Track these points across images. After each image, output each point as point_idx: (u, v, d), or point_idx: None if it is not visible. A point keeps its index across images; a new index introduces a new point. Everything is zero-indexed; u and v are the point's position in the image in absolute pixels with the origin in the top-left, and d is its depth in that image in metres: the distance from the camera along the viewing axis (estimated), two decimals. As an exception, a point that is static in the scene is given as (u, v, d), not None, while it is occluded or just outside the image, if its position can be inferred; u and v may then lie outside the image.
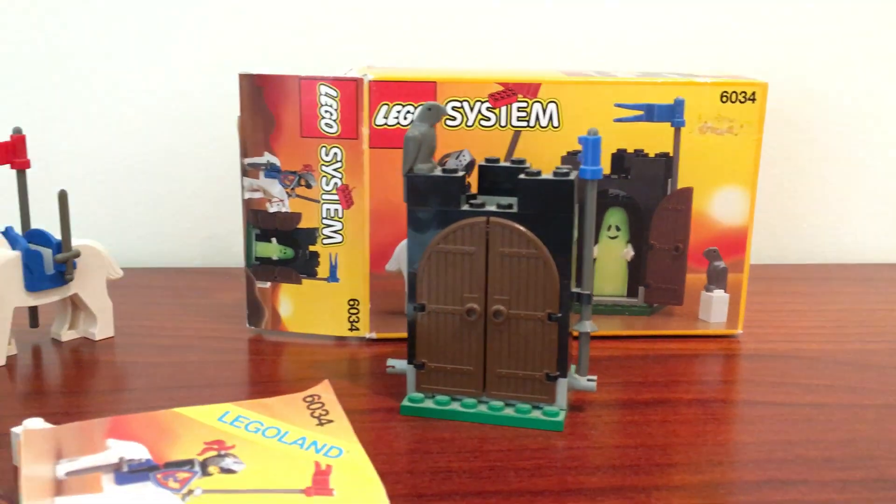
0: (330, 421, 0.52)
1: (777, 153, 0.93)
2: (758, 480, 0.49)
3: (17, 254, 0.64)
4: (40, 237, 0.66)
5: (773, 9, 0.91)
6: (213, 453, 0.48)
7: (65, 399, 0.59)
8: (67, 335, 0.69)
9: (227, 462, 0.47)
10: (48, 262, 0.65)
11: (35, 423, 0.49)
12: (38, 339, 0.69)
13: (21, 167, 0.66)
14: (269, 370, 0.65)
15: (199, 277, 0.87)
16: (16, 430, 0.49)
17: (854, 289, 0.86)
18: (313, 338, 0.70)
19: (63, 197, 0.64)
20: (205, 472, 0.46)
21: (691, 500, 0.47)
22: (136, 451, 0.47)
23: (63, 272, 0.66)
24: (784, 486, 0.49)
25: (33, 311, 0.69)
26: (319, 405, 0.54)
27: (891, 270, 0.93)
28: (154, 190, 0.91)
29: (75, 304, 0.69)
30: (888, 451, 0.53)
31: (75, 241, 0.67)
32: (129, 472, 0.45)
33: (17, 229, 0.66)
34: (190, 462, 0.47)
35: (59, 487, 0.44)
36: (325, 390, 0.56)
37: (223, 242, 0.93)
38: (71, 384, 0.62)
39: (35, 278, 0.64)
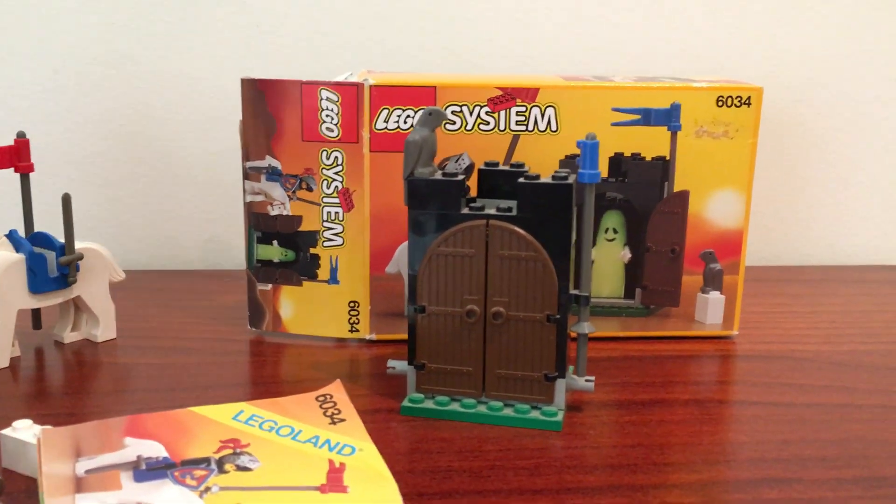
0: (342, 420, 0.53)
1: (772, 156, 0.94)
2: (753, 479, 0.50)
3: (20, 256, 0.64)
4: (43, 240, 0.66)
5: (768, 14, 0.92)
6: (229, 451, 0.48)
7: (68, 400, 0.60)
8: (70, 337, 0.70)
9: (243, 460, 0.47)
10: (52, 264, 0.66)
11: (24, 425, 0.50)
12: (41, 341, 0.70)
13: (25, 171, 0.67)
14: (270, 371, 0.66)
15: (199, 280, 0.87)
16: (5, 432, 0.49)
17: (848, 290, 0.87)
18: (314, 339, 0.71)
19: (67, 200, 0.65)
20: (221, 470, 0.47)
21: (688, 498, 0.48)
22: (154, 449, 0.48)
23: (66, 275, 0.66)
24: (779, 485, 0.49)
25: (36, 312, 0.70)
26: (332, 404, 0.55)
27: (884, 272, 0.94)
28: (154, 192, 0.92)
29: (78, 305, 0.70)
30: (881, 450, 0.54)
31: (78, 244, 0.67)
32: (147, 470, 0.46)
33: (21, 232, 0.67)
34: (206, 460, 0.47)
35: (80, 485, 0.44)
36: (336, 390, 0.57)
37: (223, 245, 0.93)
38: (74, 386, 0.63)
39: (39, 281, 0.65)
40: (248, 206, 0.69)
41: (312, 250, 0.69)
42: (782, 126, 0.94)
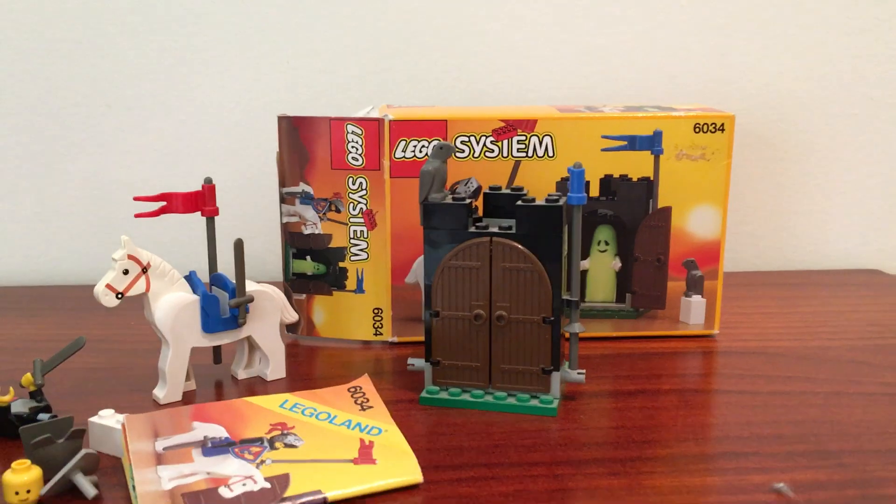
0: (371, 407, 0.63)
1: (759, 170, 1.03)
2: (716, 453, 0.59)
3: (195, 298, 0.68)
4: (220, 281, 0.70)
5: (751, 40, 1.00)
6: (278, 432, 0.59)
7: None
8: (243, 374, 0.73)
9: (290, 439, 0.58)
10: (224, 306, 0.69)
11: (108, 413, 0.60)
12: (220, 375, 0.74)
13: (210, 214, 0.71)
14: (307, 370, 0.75)
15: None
16: (93, 419, 0.59)
17: (825, 293, 0.95)
18: (343, 342, 0.81)
19: (239, 245, 0.69)
20: (272, 447, 0.57)
21: (660, 468, 0.57)
22: (217, 431, 0.58)
23: (237, 316, 0.70)
24: (737, 457, 0.59)
25: (217, 349, 0.74)
26: (361, 394, 0.65)
27: (861, 275, 1.02)
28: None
29: (251, 344, 0.73)
30: (830, 429, 0.63)
31: (251, 287, 0.70)
32: (212, 447, 0.56)
33: (205, 272, 0.71)
34: (260, 439, 0.58)
35: (160, 459, 0.55)
36: (365, 382, 0.67)
37: (258, 260, 1.03)
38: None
39: (211, 321, 0.68)
40: (285, 227, 0.79)
41: (341, 264, 0.79)
42: (767, 141, 1.02)
